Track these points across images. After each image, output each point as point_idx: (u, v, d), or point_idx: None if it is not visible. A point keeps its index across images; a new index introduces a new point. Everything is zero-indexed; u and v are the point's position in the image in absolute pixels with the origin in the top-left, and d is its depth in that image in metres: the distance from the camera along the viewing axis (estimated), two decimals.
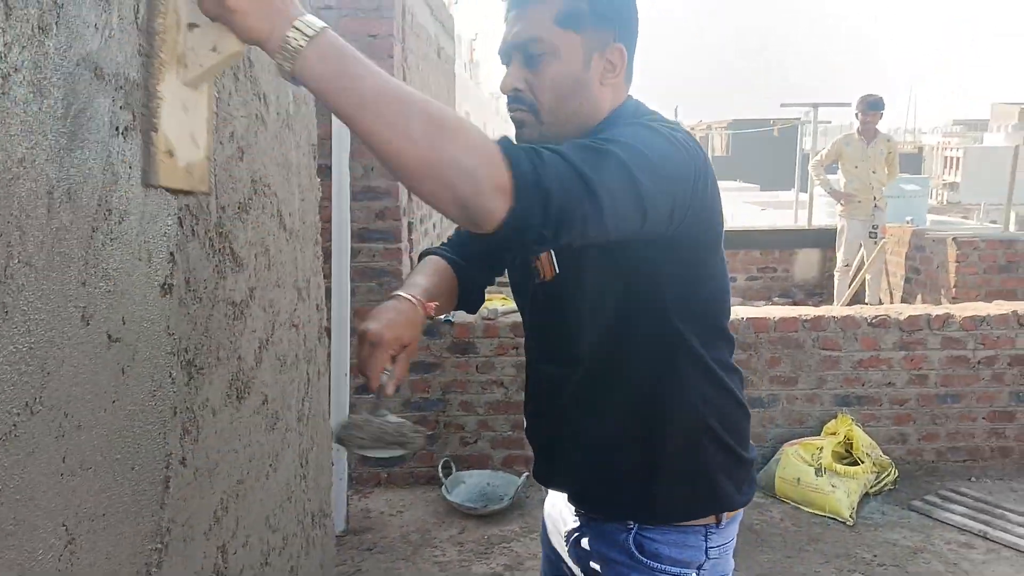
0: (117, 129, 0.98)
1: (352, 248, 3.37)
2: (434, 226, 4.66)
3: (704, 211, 1.12)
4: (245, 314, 1.49)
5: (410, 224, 3.81)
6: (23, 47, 0.79)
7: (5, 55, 0.76)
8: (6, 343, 0.78)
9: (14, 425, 0.80)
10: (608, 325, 1.22)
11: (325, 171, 2.98)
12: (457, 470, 3.75)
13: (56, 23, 0.84)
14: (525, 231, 0.91)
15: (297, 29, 0.87)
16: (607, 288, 1.20)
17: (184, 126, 0.84)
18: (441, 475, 3.68)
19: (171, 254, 1.14)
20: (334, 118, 3.64)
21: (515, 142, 1.18)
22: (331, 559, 2.36)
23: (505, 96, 1.21)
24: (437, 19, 4.75)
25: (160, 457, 1.14)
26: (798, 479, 3.61)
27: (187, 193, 0.88)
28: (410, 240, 3.80)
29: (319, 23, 0.89)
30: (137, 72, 1.02)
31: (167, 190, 0.83)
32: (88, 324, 0.93)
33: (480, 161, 0.87)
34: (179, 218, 1.17)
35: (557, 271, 1.25)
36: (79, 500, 0.92)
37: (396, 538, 3.35)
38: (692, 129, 20.10)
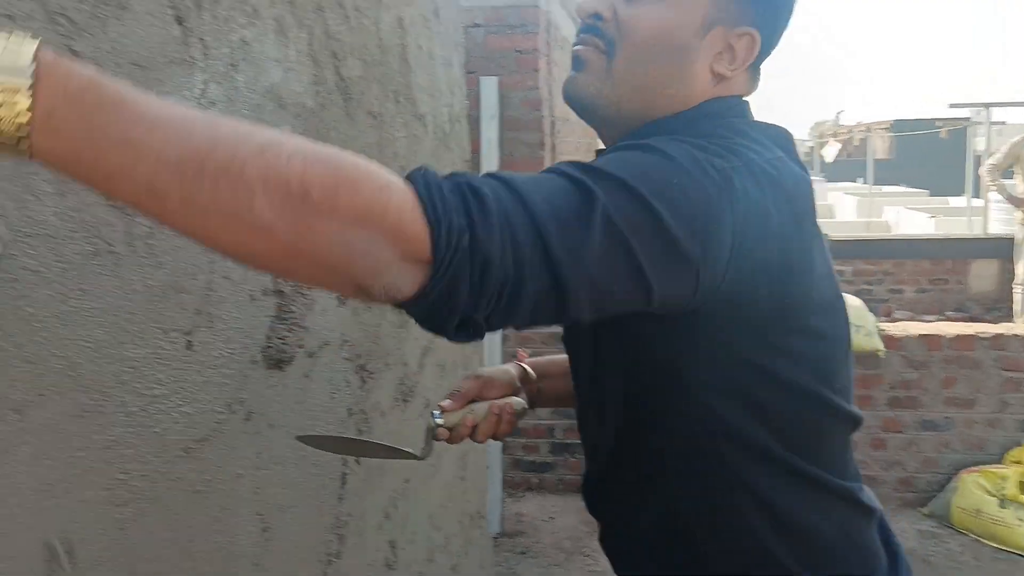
0: None
1: None
2: None
3: (748, 293, 0.78)
4: (409, 323, 1.57)
5: None
6: (218, 83, 0.89)
7: (204, 92, 0.86)
8: (211, 349, 0.88)
9: (218, 423, 0.90)
10: (622, 411, 0.92)
11: None
12: None
13: (244, 59, 0.94)
14: (444, 311, 0.62)
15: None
16: (616, 363, 0.91)
17: None
18: None
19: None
20: (483, 131, 3.77)
21: (565, 88, 0.92)
22: (489, 560, 2.43)
23: (578, 23, 0.93)
24: None
25: (338, 456, 1.23)
26: (978, 510, 3.33)
27: None
28: None
29: (25, 49, 0.46)
30: (312, 100, 1.11)
31: None
32: None
33: (379, 232, 0.57)
34: None
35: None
36: (271, 492, 1.02)
37: (549, 544, 3.39)
38: (849, 131, 18.83)
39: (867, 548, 0.92)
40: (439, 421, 0.97)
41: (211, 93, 0.87)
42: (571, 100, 0.92)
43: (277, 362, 1.03)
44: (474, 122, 2.82)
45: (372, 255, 0.57)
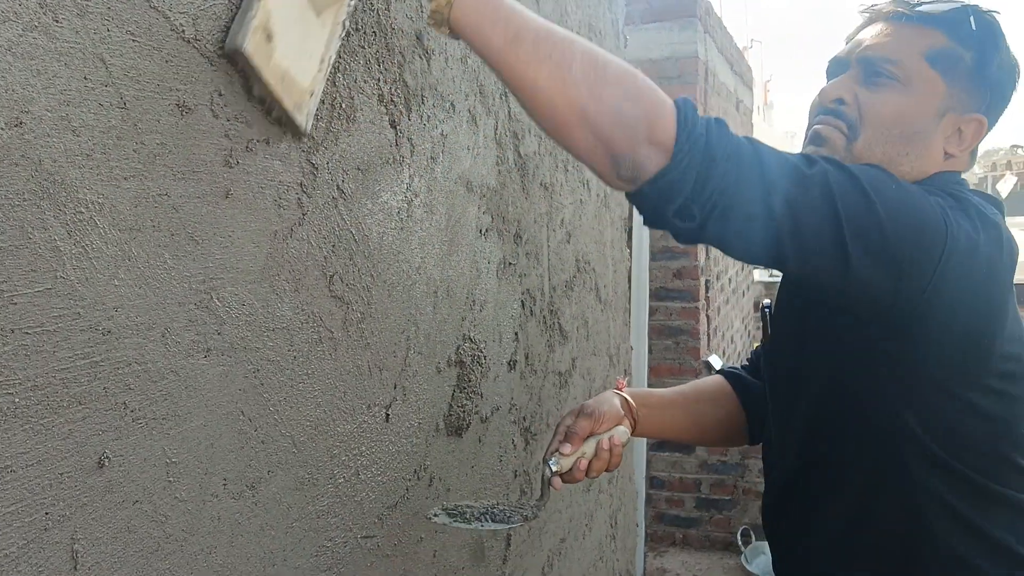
0: (480, 231, 1.13)
1: (650, 307, 3.44)
2: (730, 280, 4.59)
3: (947, 316, 0.84)
4: (568, 383, 1.60)
5: (707, 283, 3.79)
6: (421, 176, 0.96)
7: (409, 185, 0.93)
8: (404, 421, 0.94)
9: (407, 490, 0.95)
10: (816, 416, 0.99)
11: (627, 233, 3.09)
12: (756, 540, 3.59)
13: (443, 152, 1.01)
14: (670, 196, 0.76)
15: None
16: (815, 371, 0.98)
17: (292, 33, 0.68)
18: (740, 543, 3.56)
19: (515, 333, 1.28)
20: None
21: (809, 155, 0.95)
22: None
23: (815, 112, 1.01)
24: (736, 72, 4.74)
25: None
26: None
27: (276, 106, 0.68)
28: (707, 298, 3.79)
29: None
30: (495, 180, 1.18)
31: (252, 80, 0.66)
32: None
33: (643, 111, 0.74)
34: (521, 301, 1.31)
35: (770, 334, 1.09)
36: (447, 555, 1.06)
37: None
38: (1003, 154, 17.34)
39: None
40: (554, 468, 0.97)
41: (415, 185, 0.94)
42: None
43: (456, 428, 1.08)
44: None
45: (632, 128, 0.74)
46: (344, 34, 0.76)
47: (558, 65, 0.73)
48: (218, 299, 0.65)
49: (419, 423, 0.98)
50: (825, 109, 0.98)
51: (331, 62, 0.74)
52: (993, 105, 0.98)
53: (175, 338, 0.60)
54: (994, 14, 0.97)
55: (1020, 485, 0.95)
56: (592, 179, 1.72)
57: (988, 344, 0.88)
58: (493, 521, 0.95)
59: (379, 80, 0.84)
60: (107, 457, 0.55)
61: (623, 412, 1.08)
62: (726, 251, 0.83)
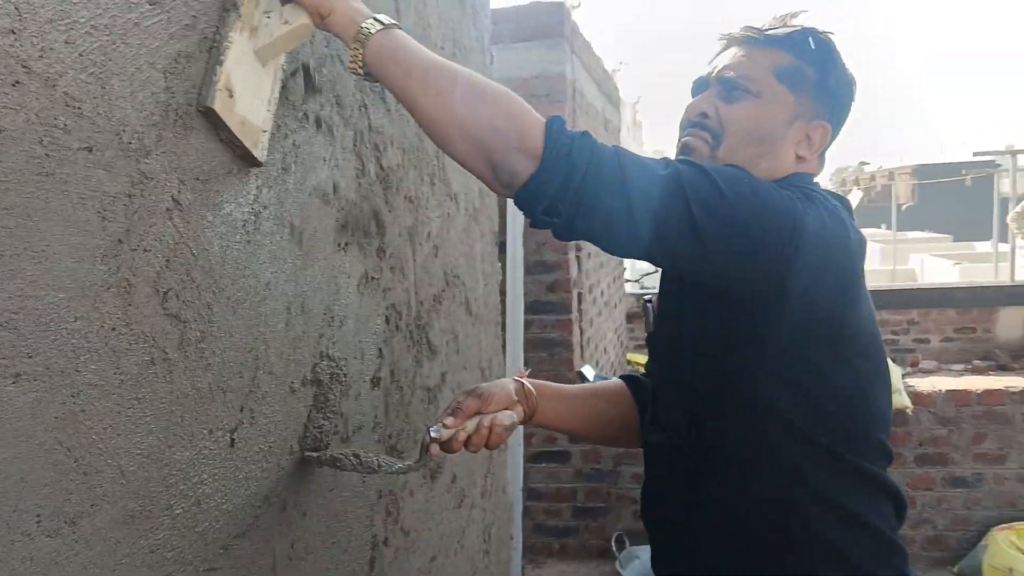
0: (339, 245, 1.10)
1: (525, 320, 3.47)
2: (602, 293, 4.71)
3: (807, 296, 0.94)
4: (438, 397, 1.58)
5: (579, 295, 3.87)
6: (270, 187, 0.92)
7: (256, 196, 0.89)
8: (252, 445, 0.89)
9: (256, 517, 0.91)
10: (693, 400, 1.06)
11: (500, 247, 3.11)
12: (630, 544, 3.68)
13: (295, 162, 0.97)
14: (539, 197, 0.88)
15: (376, 20, 0.90)
16: (691, 356, 1.06)
17: (247, 86, 0.84)
18: (614, 549, 3.63)
19: (379, 349, 1.25)
20: (509, 204, 3.82)
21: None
22: None
23: (683, 126, 1.12)
24: (603, 93, 4.89)
25: (367, 539, 1.23)
26: (1011, 569, 3.24)
27: (239, 146, 0.83)
28: (580, 310, 3.86)
29: (392, 21, 0.92)
30: (355, 193, 1.15)
31: (219, 129, 0.80)
32: None
33: (514, 124, 0.88)
34: (386, 316, 1.28)
35: (653, 328, 1.18)
36: None
37: None
38: (872, 178, 18.85)
39: (902, 548, 1.06)
40: (434, 435, 1.01)
41: (264, 197, 0.90)
42: None
43: (314, 450, 1.04)
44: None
45: (505, 139, 0.87)
46: (283, 76, 0.93)
47: (443, 90, 0.88)
48: (29, 320, 0.59)
49: (270, 446, 0.93)
50: (691, 122, 1.10)
51: (276, 101, 0.90)
52: (835, 113, 1.12)
53: None
54: (830, 35, 1.11)
55: (880, 463, 1.06)
56: (460, 192, 1.72)
57: (841, 319, 0.99)
58: (364, 467, 1.01)
59: None
60: None
61: (516, 399, 1.13)
62: (597, 244, 0.93)
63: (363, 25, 0.89)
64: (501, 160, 0.87)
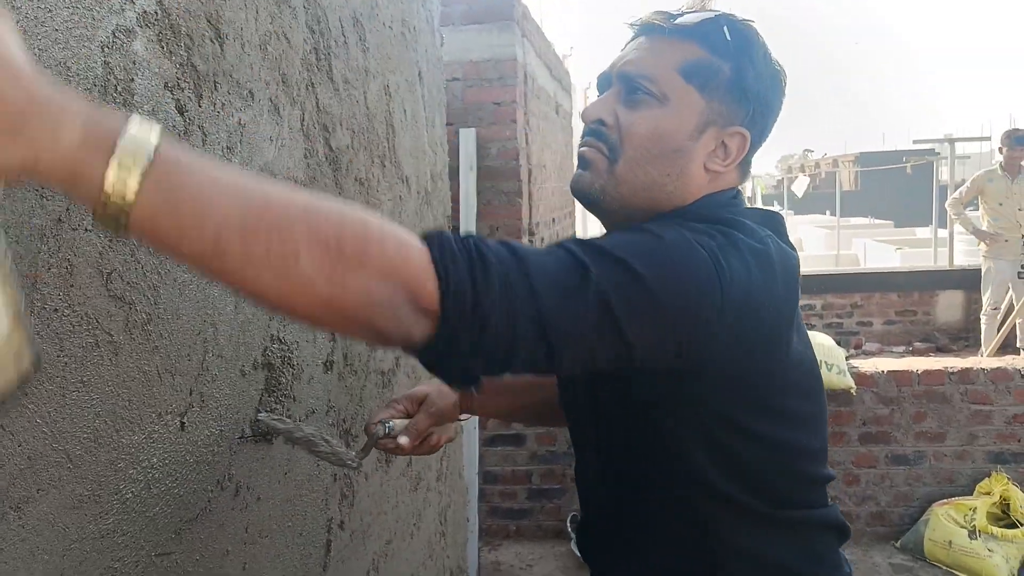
0: None
1: None
2: None
3: (731, 361, 0.84)
4: (392, 381, 1.58)
5: None
6: None
7: None
8: (202, 428, 0.88)
9: (208, 501, 0.90)
10: (613, 458, 0.99)
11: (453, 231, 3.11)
12: None
13: (240, 142, 0.96)
14: (447, 360, 0.71)
15: (121, 165, 0.52)
16: (610, 423, 0.98)
17: None
18: (570, 529, 3.68)
19: (331, 333, 1.24)
20: (462, 182, 3.82)
21: (572, 184, 0.99)
22: None
23: (582, 133, 0.99)
24: (555, 77, 4.90)
25: (323, 522, 1.22)
26: (950, 542, 3.38)
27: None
28: None
29: (147, 133, 0.54)
30: (303, 174, 1.14)
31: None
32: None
33: (398, 286, 0.65)
34: None
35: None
36: (258, 566, 1.01)
37: None
38: (817, 165, 19.29)
39: (839, 566, 1.00)
40: (391, 433, 1.07)
41: None
42: (578, 196, 0.99)
43: (266, 434, 1.03)
44: (453, 173, 2.86)
45: (392, 306, 0.65)
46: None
47: (281, 263, 0.59)
48: None
49: (221, 430, 0.92)
50: (588, 130, 0.96)
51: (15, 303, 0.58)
52: (757, 116, 0.95)
53: None
54: (750, 23, 0.95)
55: (816, 496, 0.98)
56: (411, 175, 1.71)
57: (769, 374, 0.89)
58: (312, 450, 1.02)
59: (163, 63, 0.78)
60: None
61: (455, 400, 1.14)
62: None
63: (117, 159, 0.52)
64: (391, 328, 0.67)
